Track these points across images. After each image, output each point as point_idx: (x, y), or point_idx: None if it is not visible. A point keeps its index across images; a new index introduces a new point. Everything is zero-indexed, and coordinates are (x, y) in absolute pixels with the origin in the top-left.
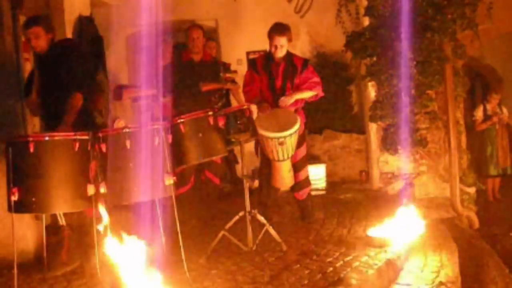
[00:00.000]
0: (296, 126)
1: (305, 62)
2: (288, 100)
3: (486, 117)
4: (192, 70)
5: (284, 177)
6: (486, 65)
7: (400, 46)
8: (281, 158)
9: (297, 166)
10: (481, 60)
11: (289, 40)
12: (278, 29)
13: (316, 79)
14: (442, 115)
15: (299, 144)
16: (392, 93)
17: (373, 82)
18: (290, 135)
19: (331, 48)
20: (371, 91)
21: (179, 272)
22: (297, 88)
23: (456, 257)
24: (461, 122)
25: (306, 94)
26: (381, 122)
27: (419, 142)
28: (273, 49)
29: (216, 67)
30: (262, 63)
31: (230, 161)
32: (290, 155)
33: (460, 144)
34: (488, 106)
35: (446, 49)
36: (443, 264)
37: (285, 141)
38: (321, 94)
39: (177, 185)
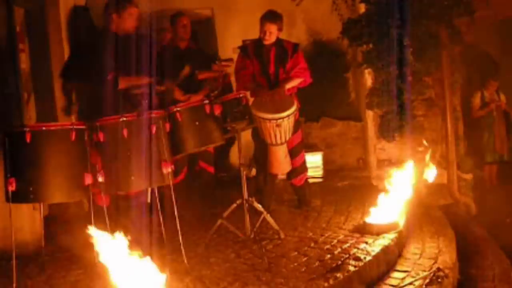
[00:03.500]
0: (293, 108)
1: (295, 46)
2: (282, 93)
3: (484, 104)
4: (179, 57)
5: (281, 162)
6: (482, 51)
7: (396, 33)
8: (278, 141)
9: (293, 152)
10: (478, 46)
11: (280, 29)
12: (270, 16)
13: (304, 65)
14: (439, 102)
15: (294, 130)
16: (389, 80)
17: (369, 70)
18: (288, 116)
19: (327, 35)
20: (368, 79)
21: (178, 260)
22: (288, 74)
23: (453, 244)
24: (458, 108)
25: (296, 82)
26: (378, 110)
27: (416, 129)
28: (262, 35)
29: (203, 55)
30: (253, 49)
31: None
32: (287, 139)
33: (457, 131)
34: (486, 93)
35: (443, 36)
36: (441, 251)
37: (282, 123)
38: (309, 80)
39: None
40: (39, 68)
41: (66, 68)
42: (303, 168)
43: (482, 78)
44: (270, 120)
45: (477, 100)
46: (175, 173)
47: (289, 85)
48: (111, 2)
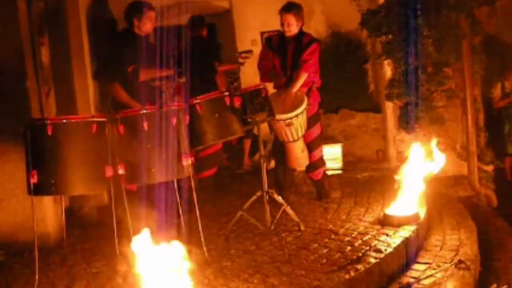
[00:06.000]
0: (302, 107)
1: (310, 40)
2: (290, 96)
3: (504, 95)
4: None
5: (298, 157)
6: (503, 41)
7: (416, 23)
8: (291, 139)
9: (311, 146)
10: (499, 36)
11: (298, 19)
12: (286, 6)
13: (307, 57)
14: (459, 92)
15: (312, 124)
16: (409, 71)
17: (389, 60)
18: (297, 116)
19: (346, 27)
20: (387, 70)
21: (199, 252)
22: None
23: (474, 236)
24: (479, 99)
25: (300, 81)
26: (398, 101)
27: (436, 120)
28: (282, 27)
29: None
30: (277, 41)
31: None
32: (300, 135)
33: (477, 122)
34: (507, 84)
35: (463, 26)
36: (462, 243)
37: (292, 122)
38: (313, 74)
39: (203, 168)
40: (59, 61)
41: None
42: (321, 162)
43: (502, 69)
44: (278, 120)
45: (497, 91)
46: (209, 166)
47: (295, 88)
48: (130, 8)
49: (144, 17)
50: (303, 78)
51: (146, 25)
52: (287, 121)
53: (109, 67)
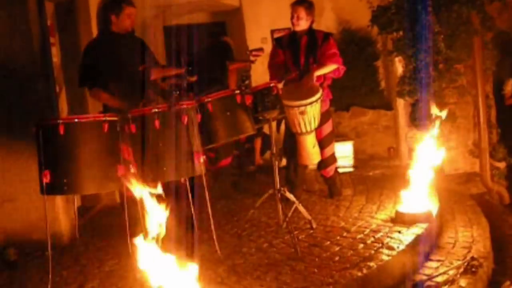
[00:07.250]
0: (317, 95)
1: (326, 35)
2: (310, 81)
3: None
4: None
5: (310, 153)
6: None
7: (427, 20)
8: (303, 130)
9: (323, 143)
10: (510, 32)
11: (309, 14)
12: (298, 0)
13: (334, 50)
14: (471, 89)
15: (324, 121)
16: (420, 68)
17: (400, 57)
18: (311, 103)
19: (356, 24)
20: (398, 67)
21: (211, 250)
22: (319, 62)
23: (487, 233)
24: (491, 96)
25: (327, 69)
26: (409, 98)
27: (448, 117)
28: (291, 20)
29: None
30: (287, 40)
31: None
32: (313, 128)
33: (489, 119)
34: None
35: (474, 22)
36: (475, 240)
37: (306, 111)
38: (342, 67)
39: (219, 157)
40: (70, 61)
41: (86, 75)
42: (333, 159)
43: None
44: (292, 107)
45: (509, 87)
46: (224, 155)
47: (319, 72)
48: (108, 4)
49: (123, 14)
50: (331, 67)
51: (125, 22)
52: (301, 109)
53: (84, 73)
